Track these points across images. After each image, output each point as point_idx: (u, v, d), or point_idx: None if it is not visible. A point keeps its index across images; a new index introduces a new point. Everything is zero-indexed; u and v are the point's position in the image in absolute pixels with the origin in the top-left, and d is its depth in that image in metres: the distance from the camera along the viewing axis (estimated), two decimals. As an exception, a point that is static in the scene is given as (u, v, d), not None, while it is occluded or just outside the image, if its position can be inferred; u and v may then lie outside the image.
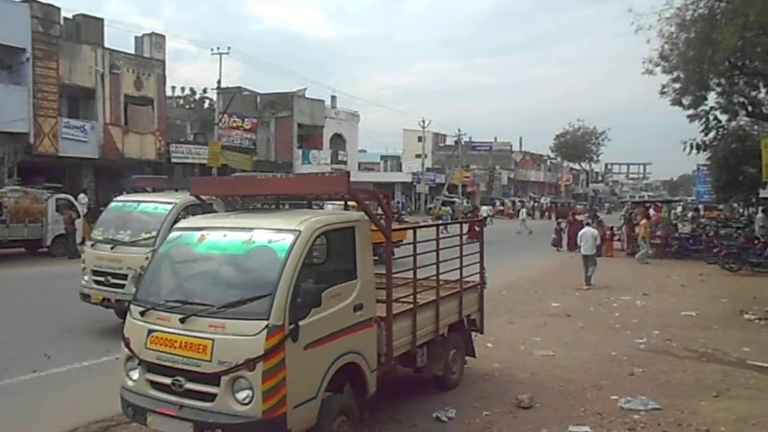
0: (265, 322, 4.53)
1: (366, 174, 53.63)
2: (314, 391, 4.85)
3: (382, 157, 65.97)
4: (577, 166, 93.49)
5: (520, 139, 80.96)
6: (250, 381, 4.48)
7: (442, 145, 72.25)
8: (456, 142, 63.27)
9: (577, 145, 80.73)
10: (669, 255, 22.45)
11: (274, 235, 5.06)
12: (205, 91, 45.45)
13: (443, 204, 43.89)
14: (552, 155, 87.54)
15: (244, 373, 4.48)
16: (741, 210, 34.73)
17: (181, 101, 47.22)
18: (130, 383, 5.06)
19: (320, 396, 4.92)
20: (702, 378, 7.80)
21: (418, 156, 58.12)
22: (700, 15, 21.54)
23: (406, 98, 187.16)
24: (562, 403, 6.82)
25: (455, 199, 48.81)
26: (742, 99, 26.30)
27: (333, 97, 51.75)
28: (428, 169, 58.16)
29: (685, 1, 21.04)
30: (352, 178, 5.65)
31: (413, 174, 55.36)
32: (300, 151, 45.07)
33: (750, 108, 26.37)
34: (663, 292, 14.82)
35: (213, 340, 4.60)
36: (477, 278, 7.90)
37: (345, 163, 47.18)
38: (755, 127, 29.71)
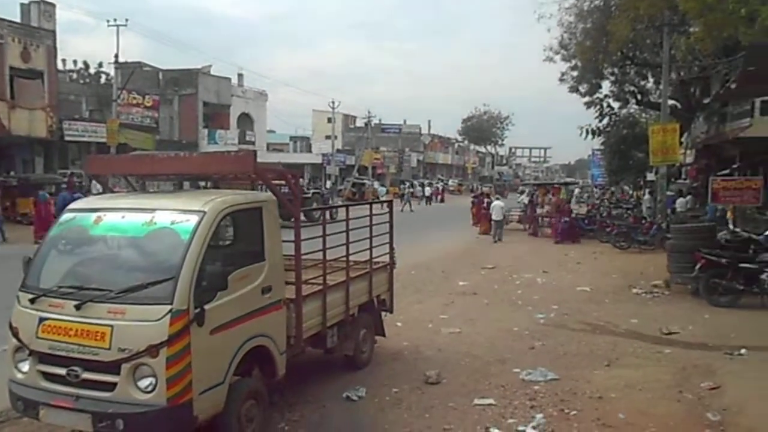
0: (168, 307, 4.38)
1: (275, 155, 52.68)
2: (221, 376, 4.75)
3: (292, 138, 65.00)
4: (483, 150, 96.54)
5: (429, 122, 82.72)
6: (152, 368, 4.32)
7: (352, 126, 72.15)
8: (366, 124, 63.38)
9: (483, 129, 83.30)
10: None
11: (178, 216, 4.87)
12: (101, 65, 42.65)
13: (352, 185, 44.00)
14: (459, 138, 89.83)
15: (147, 360, 4.32)
16: (630, 192, 37.18)
17: (75, 76, 44.16)
18: (19, 376, 4.75)
19: (228, 381, 4.83)
20: (595, 349, 8.33)
21: (328, 137, 57.74)
22: (596, 6, 22.70)
23: (317, 79, 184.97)
24: (468, 378, 7.06)
25: (365, 181, 49.01)
26: (632, 88, 28.12)
27: (240, 75, 50.25)
28: (338, 151, 58.02)
29: (583, -8, 22.08)
30: (261, 159, 5.51)
31: (323, 155, 55.02)
32: (206, 131, 43.53)
33: (639, 96, 28.24)
34: (561, 269, 15.64)
35: (112, 326, 4.40)
36: (387, 259, 7.99)
37: (253, 143, 46.04)
38: (643, 114, 31.87)
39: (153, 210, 5.03)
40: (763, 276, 10.53)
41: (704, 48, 12.28)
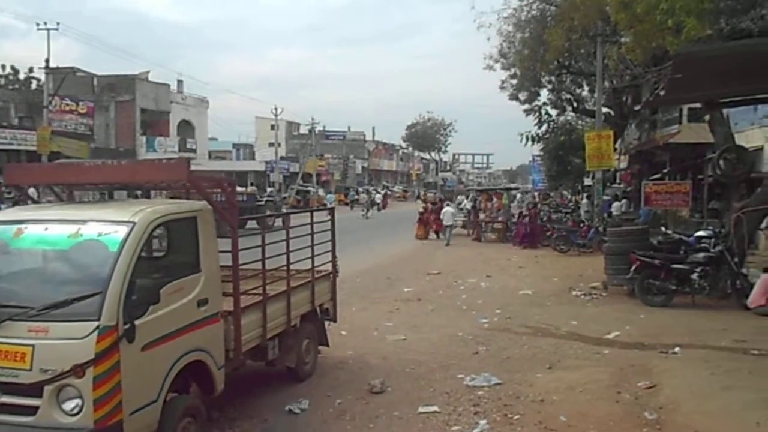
0: (95, 323, 4.15)
1: (217, 162, 51.68)
2: (155, 394, 4.54)
3: (235, 146, 63.96)
4: (427, 156, 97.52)
5: (373, 128, 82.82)
6: (78, 389, 4.09)
7: (296, 133, 71.64)
8: (310, 131, 63.07)
9: (427, 135, 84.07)
10: (509, 239, 24.10)
11: (105, 228, 4.64)
12: (31, 70, 40.79)
13: (297, 193, 43.61)
14: (404, 145, 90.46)
15: (72, 381, 4.08)
16: (569, 196, 38.25)
17: (3, 82, 42.10)
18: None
19: (162, 399, 4.62)
20: (538, 352, 8.44)
21: (271, 144, 57.08)
22: (533, 16, 23.28)
23: (260, 86, 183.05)
24: (413, 386, 7.02)
25: (310, 188, 48.66)
26: (569, 96, 28.99)
27: (180, 82, 48.97)
28: (282, 158, 57.39)
29: (521, 2, 22.61)
30: (202, 167, 5.35)
31: (267, 163, 54.34)
32: (144, 138, 42.19)
33: (575, 104, 29.15)
34: (504, 273, 15.87)
35: (33, 346, 4.13)
36: (329, 267, 7.88)
37: (194, 151, 45.01)
38: (580, 121, 32.85)
39: (79, 221, 4.78)
40: (694, 276, 10.96)
41: (635, 58, 12.73)
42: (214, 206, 5.43)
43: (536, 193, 43.29)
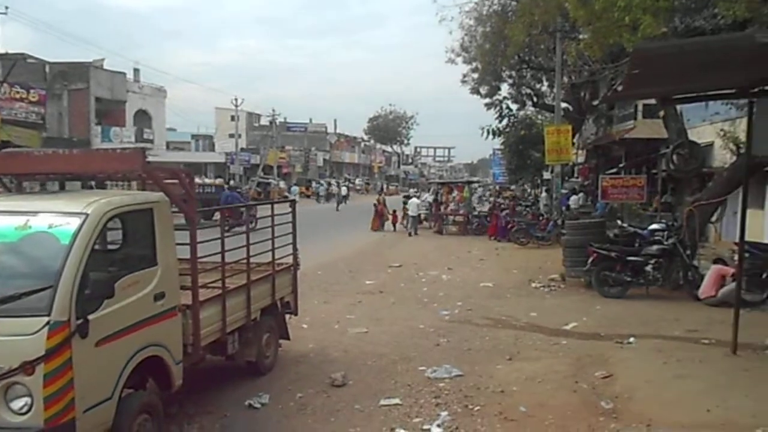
0: (45, 319, 4.00)
1: (176, 154, 50.52)
2: (109, 391, 4.42)
3: (194, 137, 62.65)
4: (389, 149, 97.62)
5: (335, 121, 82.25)
6: (28, 387, 3.93)
7: (256, 125, 70.69)
8: (271, 122, 62.33)
9: (388, 128, 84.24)
10: (470, 232, 24.36)
11: (57, 219, 4.47)
12: (-23, 56, 39.15)
13: (257, 185, 43.09)
14: (365, 138, 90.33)
15: (21, 379, 3.93)
16: (529, 190, 38.83)
17: (-54, 67, 40.29)
18: None
19: (117, 395, 4.49)
20: (498, 343, 8.54)
21: (231, 136, 56.15)
22: (494, 11, 23.43)
23: (220, 76, 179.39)
24: (374, 378, 7.02)
25: (271, 180, 48.14)
26: (529, 90, 29.36)
27: (136, 70, 47.70)
28: (242, 150, 56.55)
29: (482, -4, 22.73)
30: (159, 158, 5.19)
31: (227, 154, 53.48)
32: (99, 128, 40.99)
33: (535, 99, 29.54)
34: (465, 266, 16.01)
35: (-21, 343, 3.94)
36: (290, 260, 7.79)
37: (151, 141, 43.93)
38: (539, 116, 33.33)
39: (28, 213, 4.59)
40: (648, 268, 11.26)
41: (593, 54, 12.92)
42: (171, 198, 5.30)
43: (497, 187, 43.81)
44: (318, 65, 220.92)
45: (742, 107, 11.60)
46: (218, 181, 36.03)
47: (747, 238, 7.89)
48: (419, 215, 25.16)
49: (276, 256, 7.33)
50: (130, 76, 45.67)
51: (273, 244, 7.21)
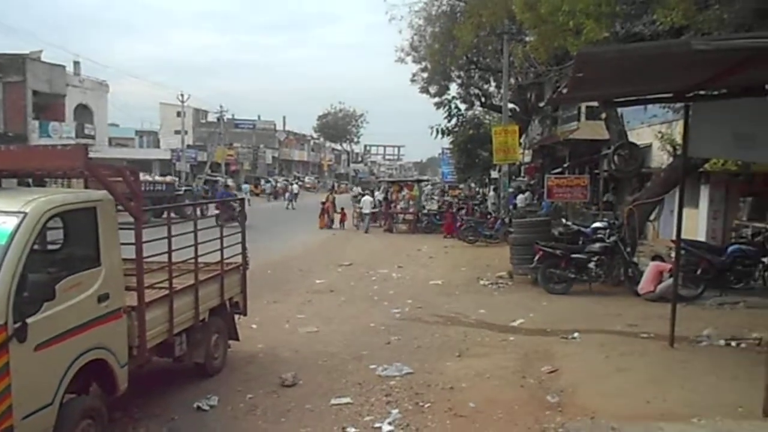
0: (-20, 323, 3.81)
1: (119, 150, 48.99)
2: (50, 397, 4.26)
3: (138, 133, 60.95)
4: (339, 147, 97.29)
5: (284, 118, 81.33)
6: (-39, 394, 3.75)
7: (203, 121, 69.22)
8: (218, 119, 61.11)
9: (338, 126, 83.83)
10: (419, 230, 24.56)
11: (-8, 219, 4.26)
12: None
13: (204, 182, 42.23)
14: (315, 135, 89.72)
15: (-46, 386, 3.73)
16: (477, 189, 39.39)
17: None
18: None
19: (58, 401, 4.33)
20: (447, 340, 8.65)
21: (177, 132, 54.83)
22: (443, 11, 23.72)
23: (165, 70, 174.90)
24: (325, 378, 7.00)
25: (218, 178, 47.26)
26: (477, 91, 29.82)
27: (76, 63, 45.93)
28: (189, 146, 55.33)
29: (431, -4, 22.95)
30: (102, 154, 5.02)
31: (172, 151, 52.22)
32: (36, 123, 39.29)
33: (483, 99, 30.03)
34: (415, 264, 16.14)
35: None
36: (239, 259, 7.68)
37: (93, 137, 42.35)
38: (487, 116, 33.87)
39: (-39, 212, 4.37)
40: (591, 265, 11.63)
41: (538, 56, 13.25)
42: (115, 196, 5.14)
43: (445, 186, 44.26)
44: (268, 61, 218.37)
45: (679, 110, 12.09)
46: (169, 178, 35.16)
47: (683, 235, 8.24)
48: (372, 213, 25.48)
49: (225, 256, 7.23)
50: (70, 69, 43.96)
51: (222, 243, 7.10)
